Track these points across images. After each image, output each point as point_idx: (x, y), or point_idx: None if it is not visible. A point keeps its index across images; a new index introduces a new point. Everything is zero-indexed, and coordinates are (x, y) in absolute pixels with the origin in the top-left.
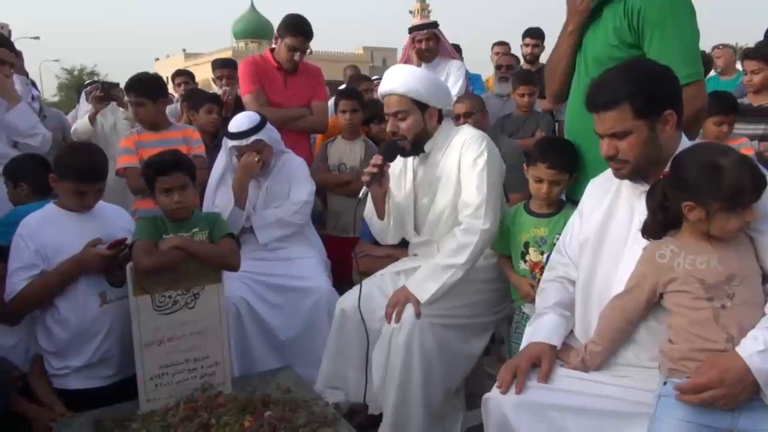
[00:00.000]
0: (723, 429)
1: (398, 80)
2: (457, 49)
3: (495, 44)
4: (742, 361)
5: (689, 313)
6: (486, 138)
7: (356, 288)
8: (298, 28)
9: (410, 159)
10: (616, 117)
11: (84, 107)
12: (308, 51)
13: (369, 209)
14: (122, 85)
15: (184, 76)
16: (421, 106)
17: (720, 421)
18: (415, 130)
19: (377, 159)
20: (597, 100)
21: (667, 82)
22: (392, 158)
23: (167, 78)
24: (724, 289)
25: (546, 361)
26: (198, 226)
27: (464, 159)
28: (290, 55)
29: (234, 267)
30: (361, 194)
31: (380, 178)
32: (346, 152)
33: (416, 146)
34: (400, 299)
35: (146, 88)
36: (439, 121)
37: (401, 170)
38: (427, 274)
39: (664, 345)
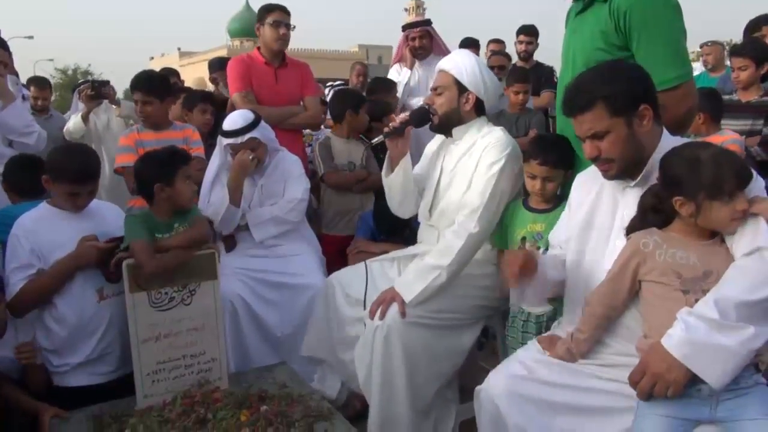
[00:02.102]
0: (703, 420)
1: (452, 60)
2: (475, 44)
3: (490, 42)
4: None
5: (665, 303)
6: (511, 146)
7: (351, 267)
8: (273, 5)
9: (444, 143)
10: (592, 118)
11: (79, 107)
12: (292, 26)
13: (385, 164)
14: (115, 84)
15: (173, 75)
16: (461, 88)
17: (699, 413)
18: (446, 108)
19: (404, 117)
20: (572, 104)
21: (639, 79)
22: (417, 124)
23: None
24: (699, 284)
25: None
26: (178, 221)
27: (482, 161)
28: (276, 32)
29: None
30: (375, 140)
31: (400, 135)
32: (349, 151)
33: (444, 125)
34: (386, 297)
35: (155, 87)
36: (479, 114)
37: (434, 152)
38: (413, 275)
39: (640, 341)
